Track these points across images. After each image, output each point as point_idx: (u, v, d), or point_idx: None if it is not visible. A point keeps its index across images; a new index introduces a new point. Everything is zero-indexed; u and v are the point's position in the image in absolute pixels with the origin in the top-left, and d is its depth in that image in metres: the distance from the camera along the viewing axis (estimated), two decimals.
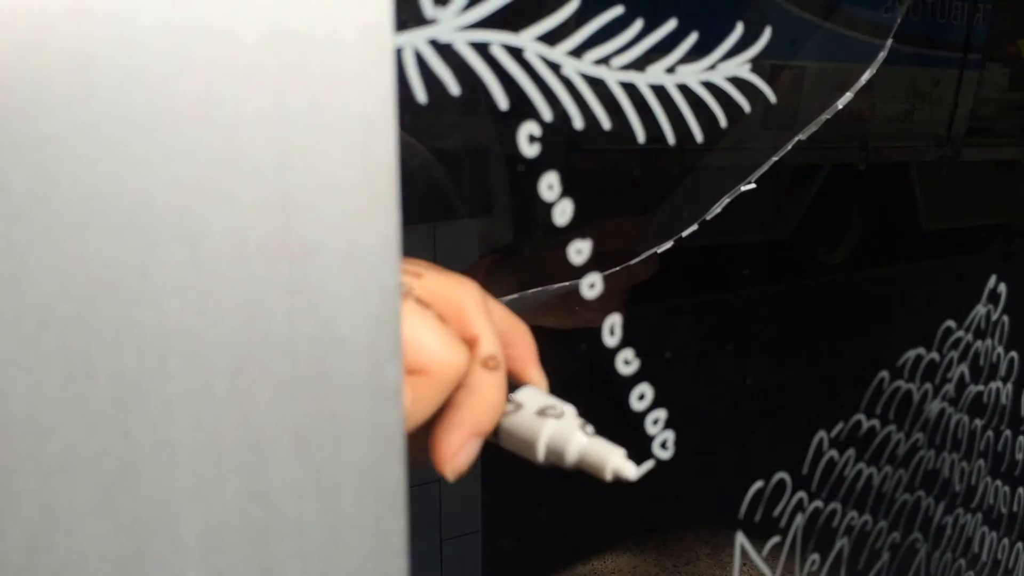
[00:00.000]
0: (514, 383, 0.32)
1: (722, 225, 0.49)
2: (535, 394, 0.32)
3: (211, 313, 0.20)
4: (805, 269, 4.68)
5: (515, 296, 0.45)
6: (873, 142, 4.51)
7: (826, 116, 0.49)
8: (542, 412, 0.31)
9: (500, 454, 0.33)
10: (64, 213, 0.18)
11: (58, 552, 0.20)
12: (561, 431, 0.30)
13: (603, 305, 0.37)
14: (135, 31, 0.18)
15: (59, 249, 0.18)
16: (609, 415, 0.43)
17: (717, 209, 0.47)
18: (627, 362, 0.38)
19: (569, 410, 0.31)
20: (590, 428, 0.31)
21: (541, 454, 0.31)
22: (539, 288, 0.45)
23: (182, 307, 0.20)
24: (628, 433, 0.36)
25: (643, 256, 0.48)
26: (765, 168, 0.48)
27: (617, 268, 0.45)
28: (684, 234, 0.47)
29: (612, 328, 0.36)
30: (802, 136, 0.49)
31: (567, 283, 0.42)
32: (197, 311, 0.20)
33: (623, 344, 0.37)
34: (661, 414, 0.40)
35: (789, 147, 0.48)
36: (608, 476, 0.30)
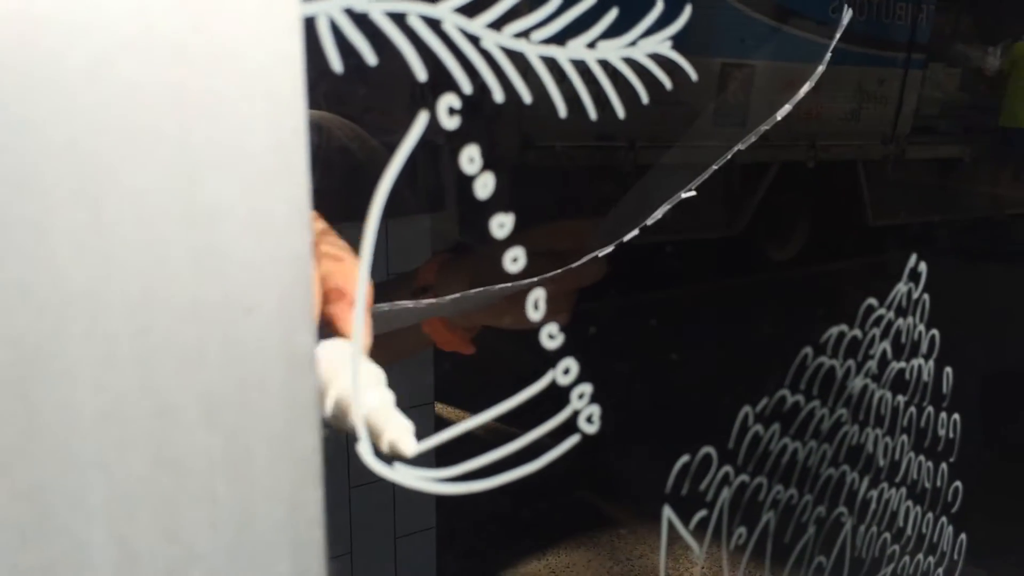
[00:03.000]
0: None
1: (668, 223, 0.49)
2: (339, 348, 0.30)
3: (112, 276, 0.20)
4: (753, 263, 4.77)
5: (458, 296, 0.44)
6: (821, 140, 4.60)
7: (764, 127, 0.50)
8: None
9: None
10: None
11: None
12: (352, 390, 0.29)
13: (550, 307, 0.37)
14: None
15: None
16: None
17: (658, 215, 0.47)
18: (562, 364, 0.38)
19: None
20: (389, 396, 0.30)
21: (328, 408, 0.29)
22: (483, 288, 0.44)
23: (82, 270, 0.19)
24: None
25: (585, 260, 0.47)
26: (705, 176, 0.48)
27: (560, 271, 0.45)
28: (625, 239, 0.47)
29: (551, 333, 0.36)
30: (741, 146, 0.49)
31: (511, 284, 0.41)
32: (98, 274, 0.20)
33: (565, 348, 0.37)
34: (587, 389, 0.40)
35: (728, 156, 0.49)
36: (384, 447, 0.29)
